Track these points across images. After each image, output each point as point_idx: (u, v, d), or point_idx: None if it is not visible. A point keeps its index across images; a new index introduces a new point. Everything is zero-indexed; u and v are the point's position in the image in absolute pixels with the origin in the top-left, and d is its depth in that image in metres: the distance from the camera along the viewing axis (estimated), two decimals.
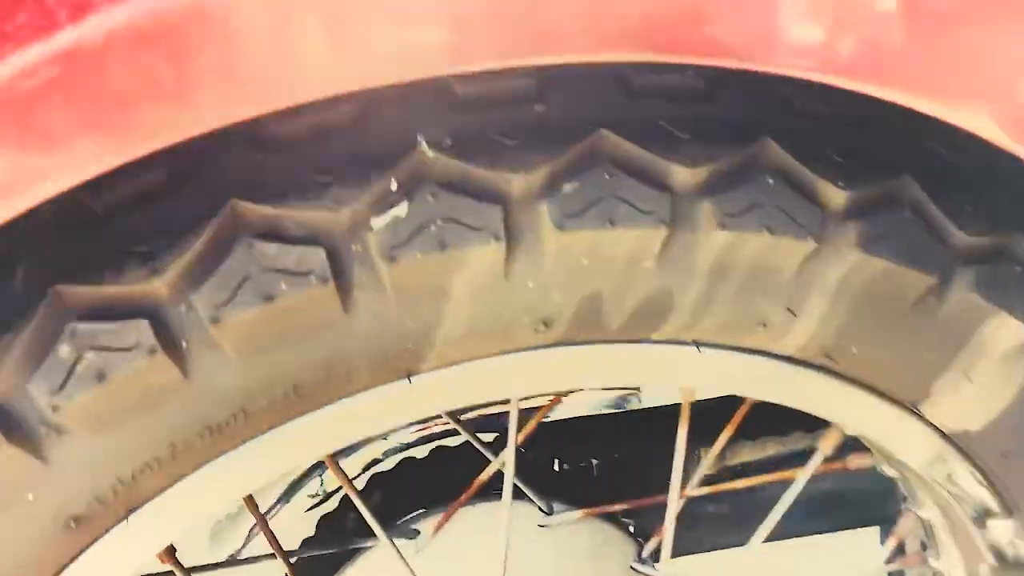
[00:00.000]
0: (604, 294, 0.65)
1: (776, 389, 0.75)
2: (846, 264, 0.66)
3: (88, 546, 0.65)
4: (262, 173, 0.59)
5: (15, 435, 0.58)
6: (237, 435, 0.64)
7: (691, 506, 1.21)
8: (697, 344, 0.71)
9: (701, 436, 1.13)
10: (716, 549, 1.23)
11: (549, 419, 1.11)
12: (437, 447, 1.11)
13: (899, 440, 0.81)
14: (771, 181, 0.64)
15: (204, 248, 0.58)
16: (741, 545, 1.24)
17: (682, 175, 0.63)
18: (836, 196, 0.65)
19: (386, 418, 0.69)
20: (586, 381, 0.71)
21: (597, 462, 1.12)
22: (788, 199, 0.64)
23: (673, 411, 0.89)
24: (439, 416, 1.07)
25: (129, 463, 0.62)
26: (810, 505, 1.27)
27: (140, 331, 0.58)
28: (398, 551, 0.86)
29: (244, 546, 1.06)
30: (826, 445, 0.89)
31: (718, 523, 1.23)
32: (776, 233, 0.64)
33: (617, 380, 0.72)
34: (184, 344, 0.59)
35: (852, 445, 0.93)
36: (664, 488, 0.99)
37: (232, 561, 0.88)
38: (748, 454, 1.22)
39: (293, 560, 0.92)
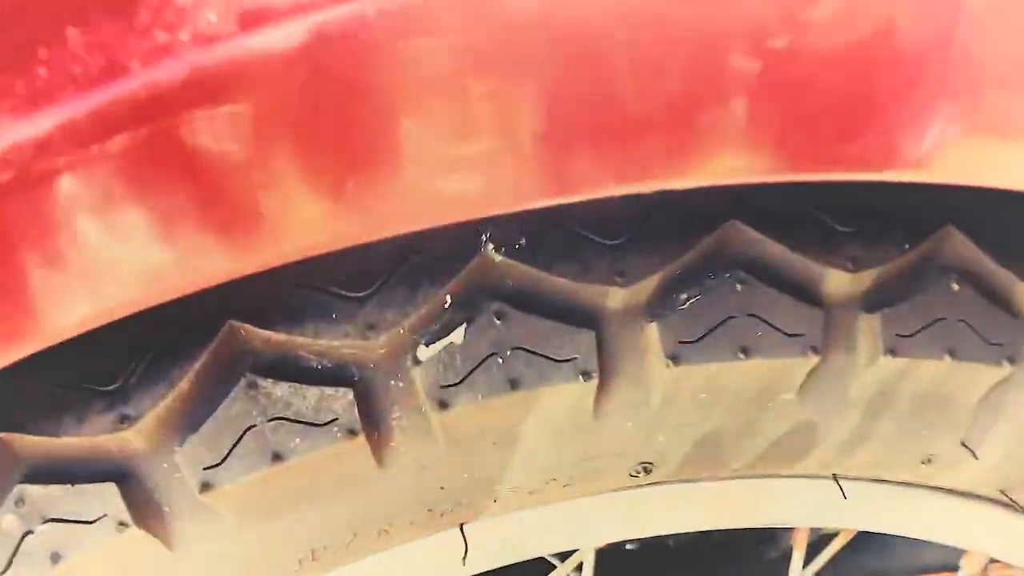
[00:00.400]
0: (726, 433, 0.49)
1: (928, 526, 0.59)
2: None
3: None
4: (271, 287, 0.44)
5: None
6: None
7: None
8: (838, 479, 0.54)
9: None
10: None
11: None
12: None
13: None
14: (955, 287, 0.47)
15: (191, 389, 0.43)
16: None
17: (840, 283, 0.46)
18: None
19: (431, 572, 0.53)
20: (688, 524, 0.55)
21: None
22: (977, 311, 0.47)
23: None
24: None
25: None
26: None
27: (108, 498, 0.43)
28: None
29: None
30: (971, 566, 0.72)
31: None
32: (960, 357, 0.47)
33: (731, 522, 0.56)
34: (166, 512, 0.44)
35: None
36: (757, 566, 0.84)
37: None
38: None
39: None
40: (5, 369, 0.44)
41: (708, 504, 0.54)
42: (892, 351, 0.46)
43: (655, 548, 0.96)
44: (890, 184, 0.48)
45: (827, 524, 0.57)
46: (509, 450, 0.46)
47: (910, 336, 0.47)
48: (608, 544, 0.93)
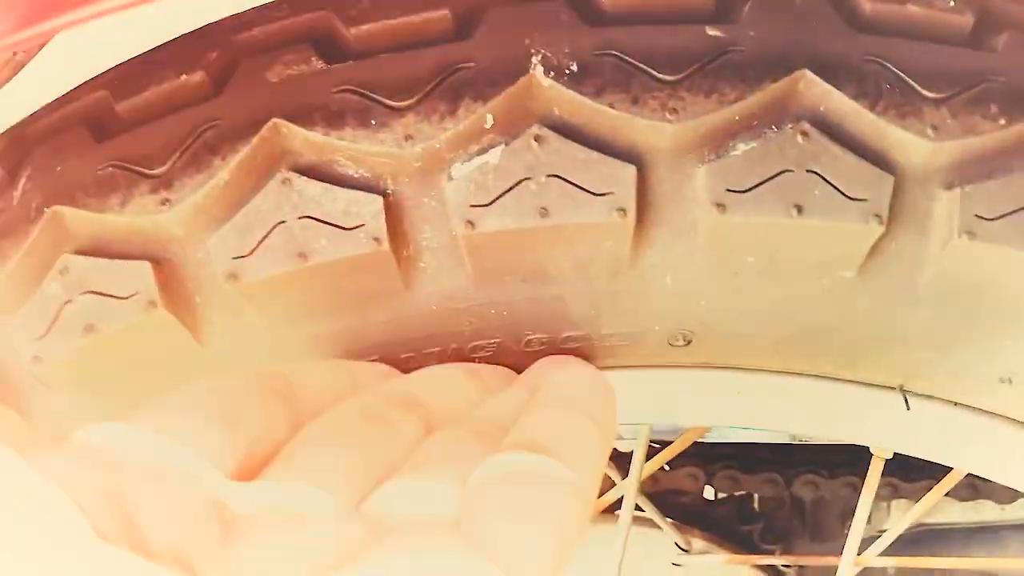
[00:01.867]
0: (776, 308, 0.45)
1: (1009, 469, 0.53)
2: None
3: None
4: (319, 87, 0.44)
5: None
6: None
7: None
8: (905, 393, 0.50)
9: (895, 485, 0.91)
10: None
11: (706, 440, 0.92)
12: None
13: None
14: None
15: (230, 179, 0.43)
16: None
17: (919, 150, 0.42)
18: None
19: None
20: (732, 418, 0.52)
21: (760, 497, 0.92)
22: None
23: (863, 451, 0.68)
24: None
25: None
26: None
27: (142, 276, 0.44)
28: None
29: None
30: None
31: None
32: None
33: (778, 423, 0.52)
34: (196, 300, 0.45)
35: None
36: (836, 546, 0.79)
37: None
38: (955, 515, 0.98)
39: None
40: (61, 147, 0.46)
41: (756, 398, 0.51)
42: (971, 233, 0.42)
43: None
44: (998, 51, 0.44)
45: (887, 445, 0.53)
46: (539, 291, 0.45)
47: (992, 220, 0.42)
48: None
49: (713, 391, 0.51)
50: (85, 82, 0.48)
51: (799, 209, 0.42)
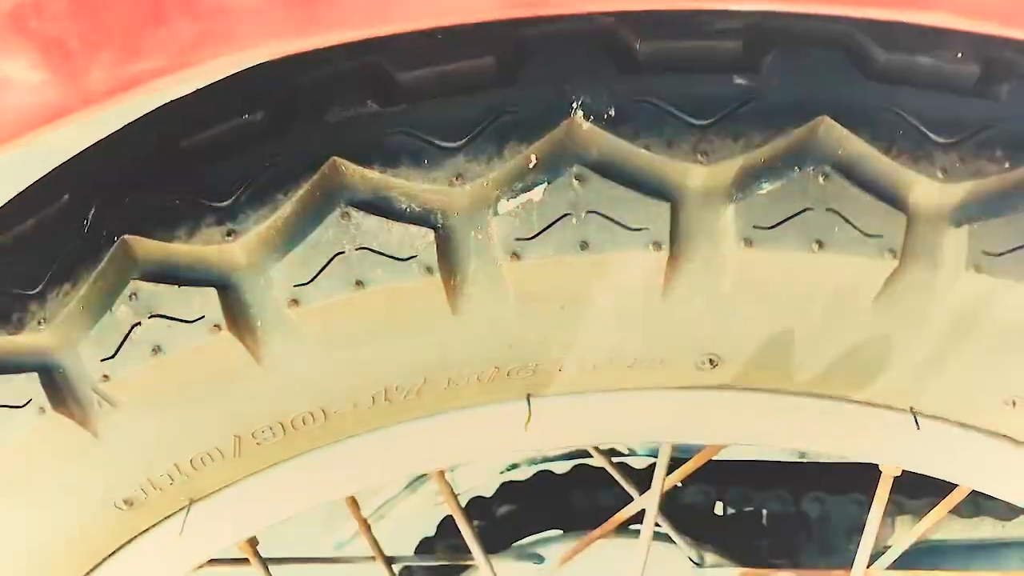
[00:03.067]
0: (797, 334, 0.49)
1: (1013, 487, 0.56)
2: None
3: (145, 531, 0.56)
4: (374, 128, 0.47)
5: (59, 401, 0.50)
6: (314, 437, 0.53)
7: None
8: (915, 414, 0.53)
9: (900, 502, 0.94)
10: None
11: (718, 457, 0.95)
12: (580, 465, 0.98)
13: None
14: None
15: (293, 212, 0.47)
16: None
17: (929, 191, 0.45)
18: None
19: (496, 444, 0.56)
20: (754, 438, 0.56)
21: (768, 513, 0.95)
22: None
23: (869, 468, 0.71)
24: None
25: (185, 450, 0.53)
26: None
27: (207, 302, 0.47)
28: None
29: (349, 541, 0.97)
30: None
31: None
32: None
33: (797, 442, 0.56)
34: (257, 324, 0.48)
35: None
36: (845, 558, 0.82)
37: (316, 559, 0.78)
38: (956, 531, 1.01)
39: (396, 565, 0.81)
40: (132, 179, 0.49)
41: (774, 418, 0.54)
42: (977, 267, 0.45)
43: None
44: (1006, 99, 0.47)
45: (896, 463, 0.56)
46: (576, 316, 0.48)
47: (999, 255, 0.45)
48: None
49: (735, 411, 0.54)
50: (153, 115, 0.52)
51: (820, 244, 0.45)
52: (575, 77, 0.46)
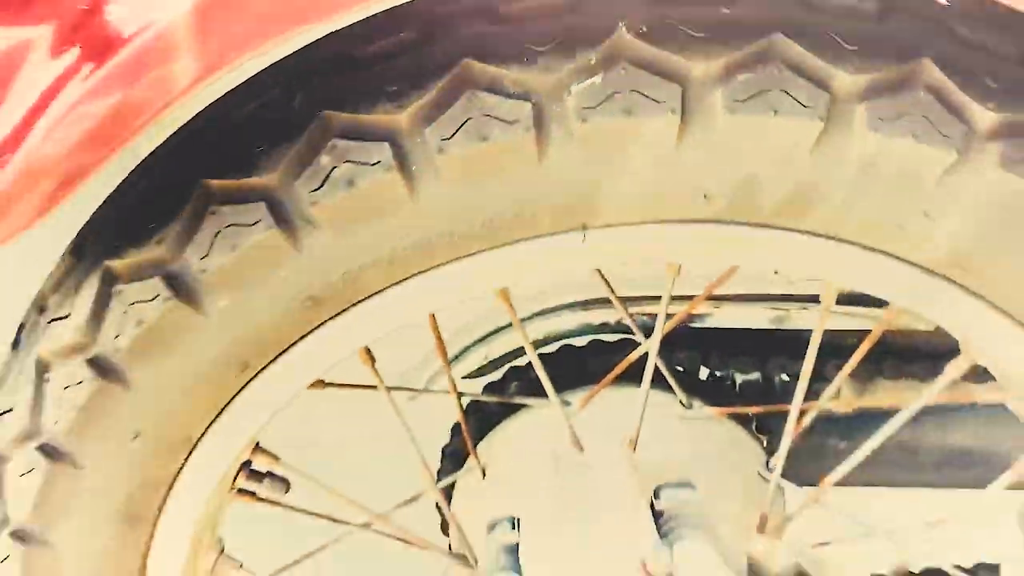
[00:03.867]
0: (761, 176, 0.76)
1: (908, 295, 0.83)
2: (985, 181, 0.74)
3: (321, 324, 0.82)
4: (492, 40, 0.73)
5: (280, 222, 0.76)
6: (446, 253, 0.79)
7: (822, 440, 1.29)
8: (839, 239, 0.80)
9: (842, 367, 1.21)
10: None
11: (703, 326, 1.22)
12: (595, 340, 1.24)
13: (1015, 364, 0.87)
14: (923, 95, 0.73)
15: (439, 94, 0.73)
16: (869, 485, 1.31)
17: (843, 80, 0.72)
18: (985, 117, 0.73)
19: (560, 264, 0.82)
20: (736, 259, 0.82)
21: (742, 377, 1.21)
22: (937, 113, 0.73)
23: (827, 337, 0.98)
24: (602, 304, 1.20)
25: (358, 261, 0.78)
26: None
27: (383, 153, 0.73)
28: (562, 409, 0.99)
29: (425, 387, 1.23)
30: (954, 368, 0.95)
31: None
32: (921, 140, 0.73)
33: (765, 263, 0.82)
34: (414, 168, 0.74)
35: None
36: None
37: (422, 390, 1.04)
38: (889, 396, 1.28)
39: (465, 403, 1.07)
40: (327, 75, 0.75)
41: (746, 245, 0.80)
42: (874, 128, 0.72)
43: None
44: (893, 25, 0.74)
45: (824, 276, 0.82)
46: (621, 161, 0.75)
47: (887, 120, 0.72)
48: None
49: (720, 239, 0.80)
50: (335, 33, 0.77)
51: (775, 112, 0.72)
52: (620, 8, 0.73)
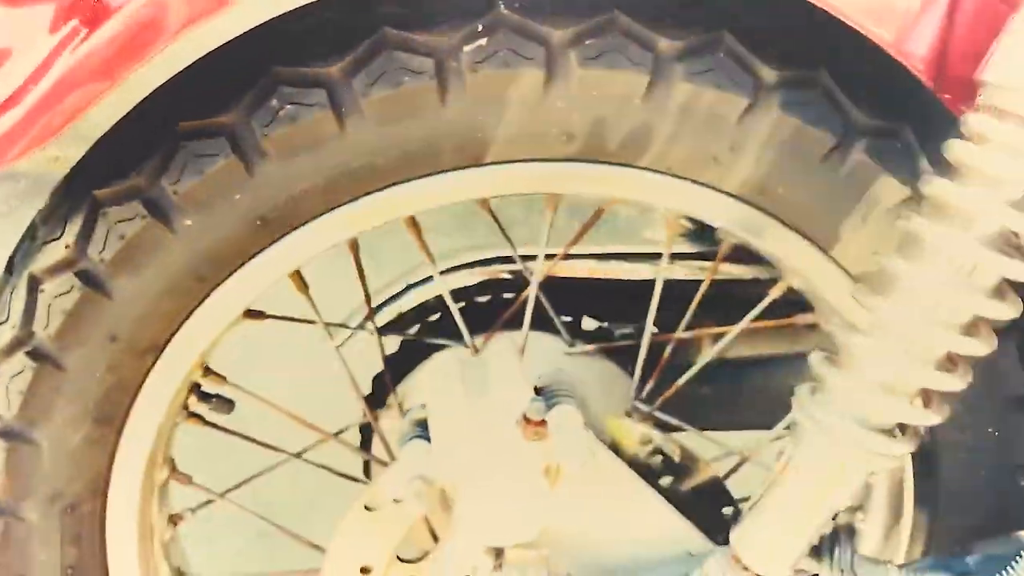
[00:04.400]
0: (607, 120, 1.00)
1: (730, 223, 1.08)
2: (772, 120, 1.00)
3: (270, 243, 1.03)
4: (404, 14, 0.97)
5: (237, 152, 0.97)
6: (370, 183, 1.01)
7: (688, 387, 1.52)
8: (669, 173, 1.05)
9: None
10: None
11: (586, 278, 1.44)
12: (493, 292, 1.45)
13: (822, 285, 1.12)
14: (723, 56, 0.99)
15: (364, 52, 0.96)
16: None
17: (664, 43, 0.98)
18: (769, 74, 0.99)
19: (459, 196, 1.05)
20: (590, 192, 1.06)
21: (619, 327, 1.45)
22: (734, 70, 0.99)
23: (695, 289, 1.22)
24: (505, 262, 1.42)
25: (298, 186, 1.00)
26: None
27: (320, 97, 0.96)
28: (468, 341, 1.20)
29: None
30: (775, 291, 1.20)
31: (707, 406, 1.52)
32: (723, 89, 0.99)
33: (612, 195, 1.07)
34: (343, 108, 0.97)
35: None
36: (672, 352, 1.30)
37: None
38: (744, 350, 1.53)
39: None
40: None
41: (603, 181, 1.05)
42: (688, 80, 0.98)
43: None
44: (703, 7, 1.01)
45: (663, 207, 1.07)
46: (503, 107, 0.98)
47: (698, 74, 0.98)
48: None
49: (584, 178, 1.04)
50: None
51: (614, 67, 0.97)
52: None
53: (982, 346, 0.89)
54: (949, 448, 1.17)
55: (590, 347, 1.36)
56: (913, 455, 1.19)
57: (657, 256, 1.43)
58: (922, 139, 1.03)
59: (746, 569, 0.99)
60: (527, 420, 0.96)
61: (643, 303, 1.45)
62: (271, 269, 1.06)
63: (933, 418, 0.93)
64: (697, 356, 1.52)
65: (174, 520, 1.27)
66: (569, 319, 1.46)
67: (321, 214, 1.03)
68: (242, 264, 1.04)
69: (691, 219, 1.49)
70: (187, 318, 1.06)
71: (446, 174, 1.03)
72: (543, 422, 0.96)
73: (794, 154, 1.02)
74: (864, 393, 0.91)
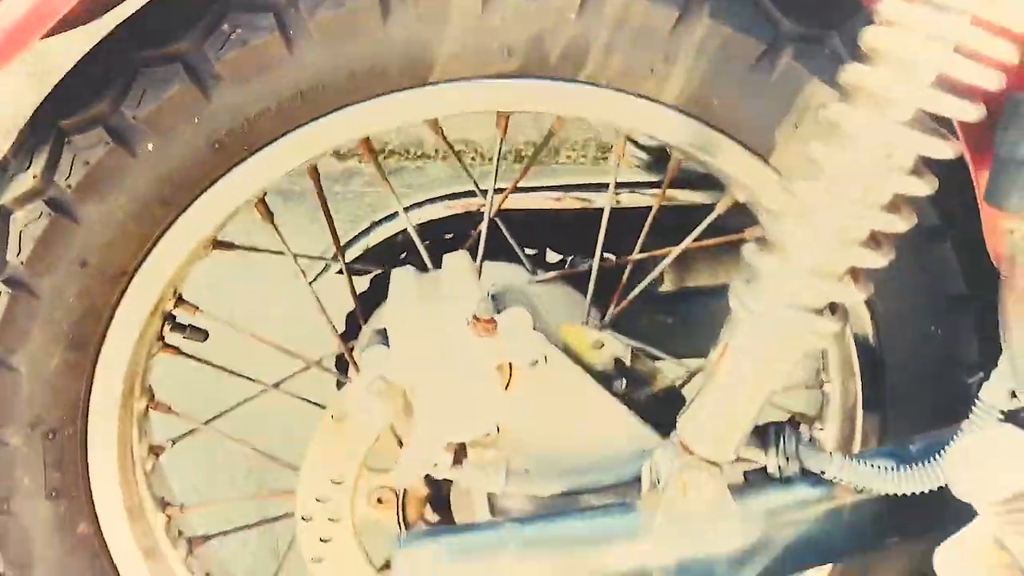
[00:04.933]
0: (546, 33, 1.05)
1: (664, 131, 1.13)
2: (702, 29, 1.05)
3: (230, 168, 1.07)
4: None
5: (193, 77, 1.02)
6: (321, 105, 1.06)
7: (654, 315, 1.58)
8: (610, 86, 1.09)
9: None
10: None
11: (553, 211, 1.49)
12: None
13: (764, 195, 1.17)
14: None
15: None
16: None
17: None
18: None
19: (409, 116, 1.10)
20: (536, 108, 1.11)
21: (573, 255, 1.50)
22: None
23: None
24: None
25: (252, 109, 1.05)
26: None
27: (268, 20, 1.01)
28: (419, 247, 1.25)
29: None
30: (720, 206, 1.25)
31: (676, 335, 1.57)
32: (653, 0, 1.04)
33: (558, 112, 1.12)
34: (291, 31, 1.01)
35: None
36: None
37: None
38: (704, 278, 1.58)
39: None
40: None
41: (546, 97, 1.09)
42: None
43: None
44: None
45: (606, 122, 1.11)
46: (445, 24, 1.03)
47: None
48: None
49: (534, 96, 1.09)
50: None
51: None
52: None
53: (903, 222, 0.94)
54: (894, 351, 1.22)
55: (551, 274, 1.41)
56: (861, 361, 1.25)
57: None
58: (849, 46, 1.08)
59: (692, 454, 1.04)
60: (476, 319, 1.01)
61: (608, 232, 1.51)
62: (233, 194, 1.10)
63: (860, 295, 0.97)
64: (662, 281, 1.57)
65: (155, 451, 1.32)
66: (535, 252, 1.52)
67: (277, 137, 1.08)
68: (204, 189, 1.09)
69: (644, 149, 1.55)
70: (154, 244, 1.11)
71: (395, 95, 1.08)
72: (492, 320, 1.01)
73: (726, 62, 1.07)
74: (794, 276, 0.96)
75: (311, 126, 1.08)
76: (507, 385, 1.08)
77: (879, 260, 0.95)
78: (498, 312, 1.04)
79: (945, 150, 0.91)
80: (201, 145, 1.06)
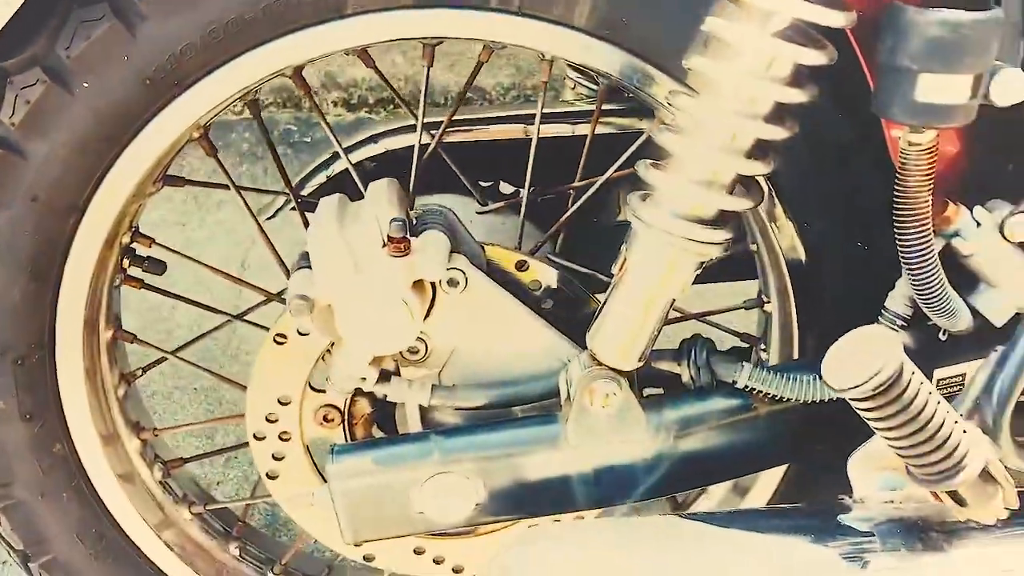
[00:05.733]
0: None
1: (581, 55, 1.16)
2: None
3: (164, 104, 1.14)
4: None
5: (119, 15, 1.08)
6: (243, 41, 1.11)
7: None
8: (522, 12, 1.13)
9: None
10: None
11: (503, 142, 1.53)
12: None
13: None
14: None
15: None
16: None
17: None
18: None
19: (330, 47, 1.14)
20: (448, 32, 1.15)
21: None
22: None
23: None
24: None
25: (177, 45, 1.10)
26: None
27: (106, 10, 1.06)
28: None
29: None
30: (651, 128, 1.27)
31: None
32: None
33: (473, 34, 1.15)
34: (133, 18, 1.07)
35: None
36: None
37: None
38: None
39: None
40: None
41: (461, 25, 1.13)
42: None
43: None
44: None
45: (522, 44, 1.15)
46: None
47: None
48: None
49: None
50: None
51: None
52: None
53: (784, 132, 0.97)
54: (827, 274, 1.25)
55: (497, 205, 1.45)
56: (794, 286, 1.28)
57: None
58: None
59: (600, 365, 1.08)
60: (391, 239, 1.06)
61: (557, 162, 1.54)
62: (169, 130, 1.17)
63: (748, 204, 1.00)
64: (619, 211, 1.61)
65: (127, 379, 1.40)
66: (489, 184, 1.56)
67: (206, 73, 1.13)
68: (142, 125, 1.15)
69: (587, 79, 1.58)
70: (101, 178, 1.18)
71: (316, 27, 1.12)
72: (405, 239, 1.06)
73: None
74: (685, 188, 0.99)
75: (238, 60, 1.13)
76: (431, 304, 1.13)
77: (762, 168, 0.98)
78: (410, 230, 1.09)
79: (819, 58, 0.93)
80: (132, 82, 1.12)
